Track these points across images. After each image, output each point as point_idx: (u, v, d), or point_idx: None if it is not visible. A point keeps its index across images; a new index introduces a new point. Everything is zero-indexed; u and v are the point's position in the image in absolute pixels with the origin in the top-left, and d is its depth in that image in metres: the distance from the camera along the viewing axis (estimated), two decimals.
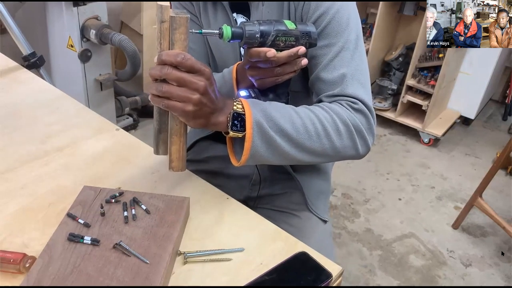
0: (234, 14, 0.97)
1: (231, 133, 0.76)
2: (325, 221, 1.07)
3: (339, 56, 0.85)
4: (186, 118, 0.72)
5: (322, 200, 1.10)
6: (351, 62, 0.85)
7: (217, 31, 0.77)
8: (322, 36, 0.86)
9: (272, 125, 0.76)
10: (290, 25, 0.79)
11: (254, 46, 0.78)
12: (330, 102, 0.85)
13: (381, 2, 2.50)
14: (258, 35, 0.77)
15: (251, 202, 1.10)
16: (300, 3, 0.88)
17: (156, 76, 0.69)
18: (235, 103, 0.76)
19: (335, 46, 0.85)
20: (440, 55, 2.47)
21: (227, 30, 0.76)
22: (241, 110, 0.76)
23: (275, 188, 1.09)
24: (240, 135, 0.76)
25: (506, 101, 3.01)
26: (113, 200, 0.80)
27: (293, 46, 0.79)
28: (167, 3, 0.70)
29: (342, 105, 0.83)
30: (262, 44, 0.78)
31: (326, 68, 0.86)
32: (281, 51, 0.78)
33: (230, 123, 0.75)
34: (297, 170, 1.07)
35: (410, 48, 2.67)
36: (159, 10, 0.69)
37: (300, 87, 0.96)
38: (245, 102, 0.77)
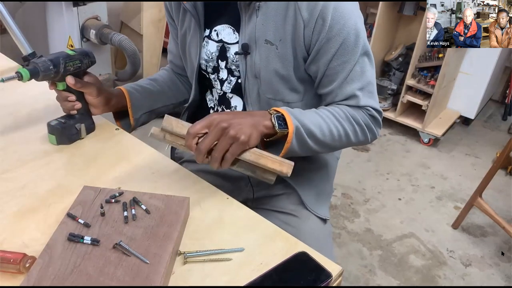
0: (220, 26, 0.97)
1: (279, 132, 0.84)
2: (324, 221, 1.07)
3: (352, 72, 0.92)
4: (247, 144, 0.80)
5: (322, 200, 1.10)
6: (362, 76, 0.92)
7: (16, 75, 0.88)
8: (336, 57, 0.90)
9: (305, 129, 0.86)
10: (70, 52, 0.95)
11: (51, 78, 0.93)
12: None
13: (381, 2, 2.50)
14: (51, 66, 0.90)
15: (250, 203, 1.09)
16: (311, 21, 0.86)
17: (202, 156, 0.79)
18: (268, 110, 0.86)
19: (347, 64, 0.91)
20: (440, 55, 2.47)
21: (25, 72, 0.88)
22: (279, 113, 0.85)
23: (273, 189, 1.09)
24: (285, 132, 0.84)
25: (506, 101, 3.01)
26: (113, 200, 0.80)
27: (80, 68, 0.95)
28: (154, 131, 0.83)
29: (358, 111, 0.94)
30: (57, 73, 0.92)
31: (341, 86, 0.93)
32: (74, 74, 0.95)
33: (276, 122, 0.84)
34: (294, 171, 1.06)
35: (410, 48, 2.67)
36: (156, 138, 0.83)
37: (295, 99, 0.97)
38: (278, 108, 0.86)
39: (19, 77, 0.88)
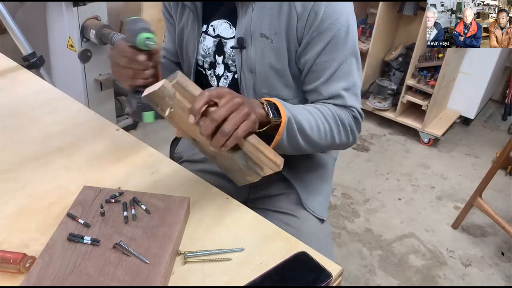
0: (217, 21, 0.97)
1: (273, 120, 0.81)
2: (322, 220, 1.07)
3: (339, 71, 0.91)
4: (254, 125, 0.76)
5: (320, 200, 1.09)
6: (349, 76, 0.93)
7: (151, 42, 0.79)
8: (324, 52, 0.90)
9: (296, 122, 0.85)
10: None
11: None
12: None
13: (381, 2, 2.50)
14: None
15: (249, 203, 1.09)
16: (304, 13, 0.87)
17: (212, 128, 0.72)
18: (259, 100, 0.83)
19: (335, 61, 0.91)
20: (440, 55, 2.47)
21: (152, 36, 0.79)
22: (270, 102, 0.83)
23: (272, 189, 1.09)
24: (279, 121, 0.82)
25: (506, 101, 3.00)
26: (113, 200, 0.80)
27: None
28: (158, 86, 0.71)
29: (343, 111, 0.94)
30: None
31: (326, 83, 0.92)
32: None
33: (270, 111, 0.81)
34: (292, 171, 1.07)
35: (410, 48, 2.67)
36: (164, 93, 0.72)
37: (290, 95, 0.98)
38: (270, 98, 0.84)
39: (152, 43, 0.80)
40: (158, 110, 0.75)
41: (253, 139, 0.78)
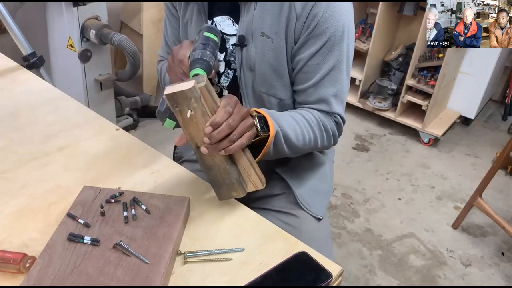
0: (220, 17, 0.97)
1: (261, 135, 0.82)
2: (319, 219, 1.07)
3: (329, 75, 0.93)
4: (253, 136, 0.79)
5: (319, 200, 1.09)
6: (338, 81, 0.94)
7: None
8: (317, 54, 0.91)
9: (283, 134, 0.86)
10: (210, 35, 0.86)
11: None
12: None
13: (381, 2, 2.50)
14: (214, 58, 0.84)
15: (249, 203, 1.09)
16: (303, 14, 0.88)
17: (225, 134, 0.74)
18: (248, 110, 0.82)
19: (326, 65, 0.92)
20: (440, 55, 2.47)
21: (203, 72, 0.79)
22: (260, 114, 0.84)
23: (271, 189, 1.09)
24: (266, 135, 0.83)
25: (506, 101, 3.00)
26: (113, 200, 0.80)
27: None
28: (188, 87, 0.70)
29: (327, 117, 0.96)
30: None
31: (315, 86, 0.94)
32: None
33: (259, 125, 0.82)
34: (289, 171, 1.07)
35: (410, 48, 2.67)
36: (193, 95, 0.71)
37: (287, 96, 0.99)
38: (258, 110, 0.84)
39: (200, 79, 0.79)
40: (175, 111, 0.74)
41: (249, 154, 0.80)
